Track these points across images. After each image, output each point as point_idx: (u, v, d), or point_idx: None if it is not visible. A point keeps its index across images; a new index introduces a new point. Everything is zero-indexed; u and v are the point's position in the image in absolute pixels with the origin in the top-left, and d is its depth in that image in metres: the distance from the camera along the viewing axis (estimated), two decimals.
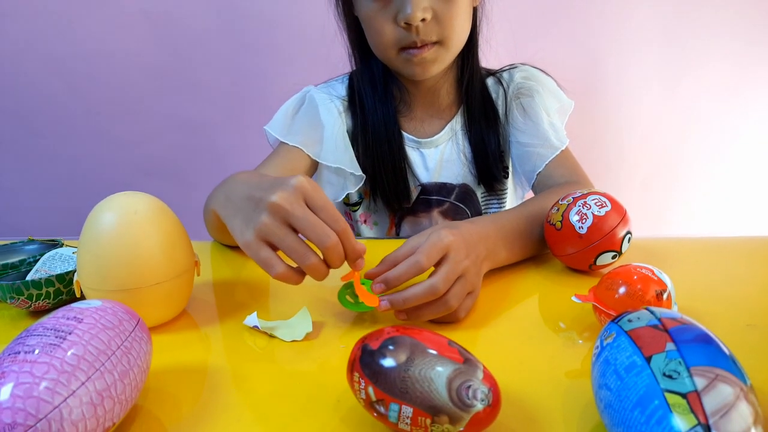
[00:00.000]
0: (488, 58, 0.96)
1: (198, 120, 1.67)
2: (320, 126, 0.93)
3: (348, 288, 0.60)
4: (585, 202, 0.66)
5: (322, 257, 0.53)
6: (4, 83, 1.60)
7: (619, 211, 0.66)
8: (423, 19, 0.77)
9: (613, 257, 0.66)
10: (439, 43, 0.82)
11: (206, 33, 1.58)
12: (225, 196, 0.61)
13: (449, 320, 0.57)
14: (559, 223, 0.67)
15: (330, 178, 0.94)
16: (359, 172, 0.93)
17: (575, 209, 0.66)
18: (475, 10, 0.88)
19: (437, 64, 0.84)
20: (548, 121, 0.94)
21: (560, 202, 0.69)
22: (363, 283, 0.57)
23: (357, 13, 0.87)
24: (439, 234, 0.57)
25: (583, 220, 0.65)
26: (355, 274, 0.57)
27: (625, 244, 0.66)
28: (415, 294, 0.54)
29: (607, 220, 0.65)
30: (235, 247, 0.82)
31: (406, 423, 0.36)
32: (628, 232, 0.66)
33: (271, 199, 0.51)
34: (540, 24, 1.59)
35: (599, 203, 0.66)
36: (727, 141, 1.80)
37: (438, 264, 0.56)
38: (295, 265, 0.53)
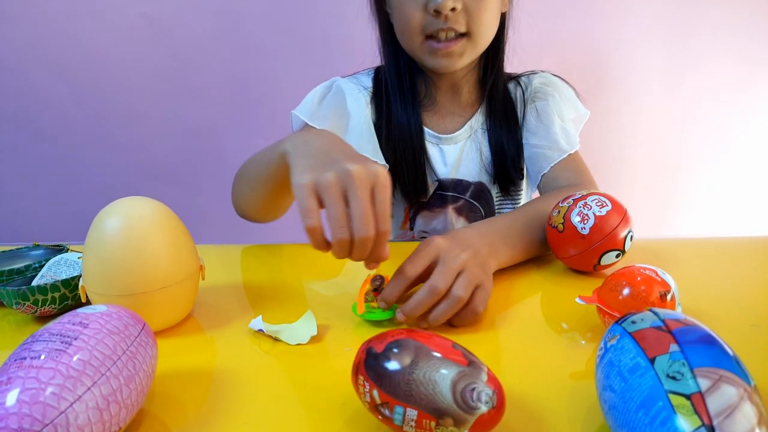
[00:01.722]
0: (512, 62, 0.98)
1: (201, 124, 1.68)
2: (347, 115, 0.95)
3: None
4: (585, 202, 0.67)
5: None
6: (7, 88, 1.61)
7: (619, 210, 0.66)
8: (453, 9, 0.79)
9: (617, 256, 0.66)
10: (466, 36, 0.84)
11: (208, 36, 1.58)
12: (304, 140, 0.61)
13: (470, 320, 0.57)
14: (561, 225, 0.67)
15: None
16: (383, 162, 0.94)
17: (576, 210, 0.66)
18: (503, 16, 0.90)
19: (464, 57, 0.86)
20: (560, 125, 0.96)
21: (560, 205, 0.69)
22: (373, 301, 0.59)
23: (388, 1, 0.89)
24: (427, 242, 0.59)
25: (585, 221, 0.65)
26: (364, 283, 0.59)
27: (628, 243, 0.66)
28: (418, 300, 0.55)
29: (609, 219, 0.65)
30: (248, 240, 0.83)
31: (411, 426, 0.36)
32: (630, 231, 0.66)
33: (348, 166, 0.51)
34: (540, 21, 1.59)
35: (599, 203, 0.66)
36: (731, 141, 1.80)
37: (433, 267, 0.57)
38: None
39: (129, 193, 0.57)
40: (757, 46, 1.67)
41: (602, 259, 0.66)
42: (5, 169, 1.71)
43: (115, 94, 1.63)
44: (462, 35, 0.83)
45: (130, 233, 0.53)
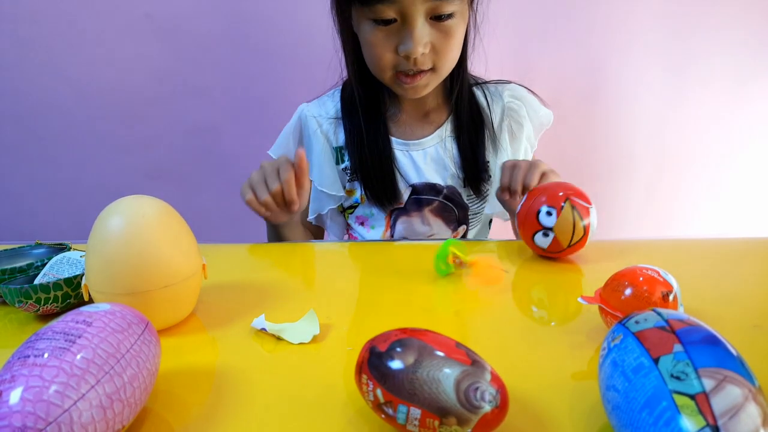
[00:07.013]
0: (489, 67, 0.99)
1: (203, 124, 1.68)
2: (311, 151, 1.04)
3: (441, 258, 0.67)
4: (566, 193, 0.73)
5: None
6: (10, 89, 1.61)
7: (567, 185, 0.72)
8: (422, 53, 0.85)
9: (548, 214, 0.71)
10: (432, 69, 0.89)
11: (210, 37, 1.58)
12: None
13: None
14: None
15: (316, 194, 1.05)
16: (341, 193, 1.04)
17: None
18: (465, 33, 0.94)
19: (428, 87, 0.93)
20: (525, 149, 1.06)
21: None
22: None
23: (356, 30, 0.92)
24: (512, 163, 0.86)
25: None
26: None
27: (566, 208, 0.70)
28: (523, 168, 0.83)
29: (551, 184, 0.74)
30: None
31: (414, 425, 0.36)
32: (569, 200, 0.70)
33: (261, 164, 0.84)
34: (541, 24, 1.59)
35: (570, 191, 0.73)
36: (733, 141, 1.80)
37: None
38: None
39: (131, 192, 0.57)
40: (760, 43, 1.66)
41: (535, 238, 0.72)
42: (7, 168, 1.71)
43: (117, 95, 1.63)
44: (428, 69, 0.89)
45: (132, 232, 0.53)
